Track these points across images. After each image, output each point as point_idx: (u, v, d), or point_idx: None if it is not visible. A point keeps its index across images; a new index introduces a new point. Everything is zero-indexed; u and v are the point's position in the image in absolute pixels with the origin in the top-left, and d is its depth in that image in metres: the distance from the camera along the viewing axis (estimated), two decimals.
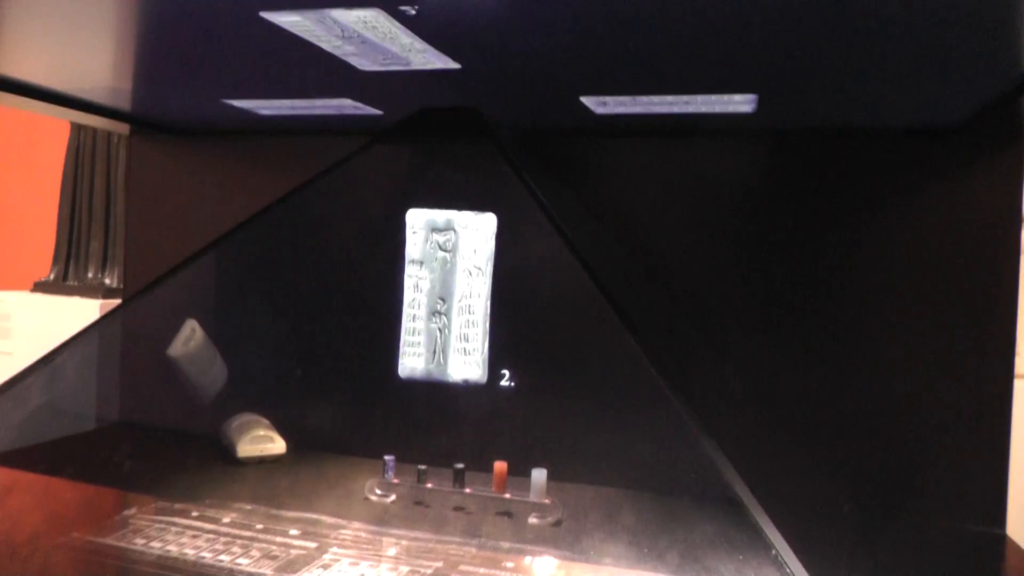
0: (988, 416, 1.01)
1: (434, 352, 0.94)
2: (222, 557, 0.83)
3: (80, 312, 2.06)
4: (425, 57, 0.77)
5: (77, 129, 2.30)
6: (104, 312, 2.10)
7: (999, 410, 1.00)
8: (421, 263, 0.94)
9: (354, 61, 0.80)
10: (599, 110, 0.97)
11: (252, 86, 0.96)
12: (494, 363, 0.94)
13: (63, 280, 2.23)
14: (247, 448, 1.11)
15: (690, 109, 0.94)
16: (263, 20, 0.69)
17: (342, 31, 0.70)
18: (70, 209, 2.26)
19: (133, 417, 1.12)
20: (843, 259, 1.05)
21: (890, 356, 1.04)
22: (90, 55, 0.88)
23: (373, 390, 1.04)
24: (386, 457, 0.99)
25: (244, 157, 1.24)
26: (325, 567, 0.82)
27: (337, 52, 0.77)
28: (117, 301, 2.18)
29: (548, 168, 1.11)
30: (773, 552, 0.64)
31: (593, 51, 0.76)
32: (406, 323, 0.96)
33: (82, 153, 2.25)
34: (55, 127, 2.45)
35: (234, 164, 1.25)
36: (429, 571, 0.82)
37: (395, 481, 0.99)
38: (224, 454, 1.11)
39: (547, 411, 0.96)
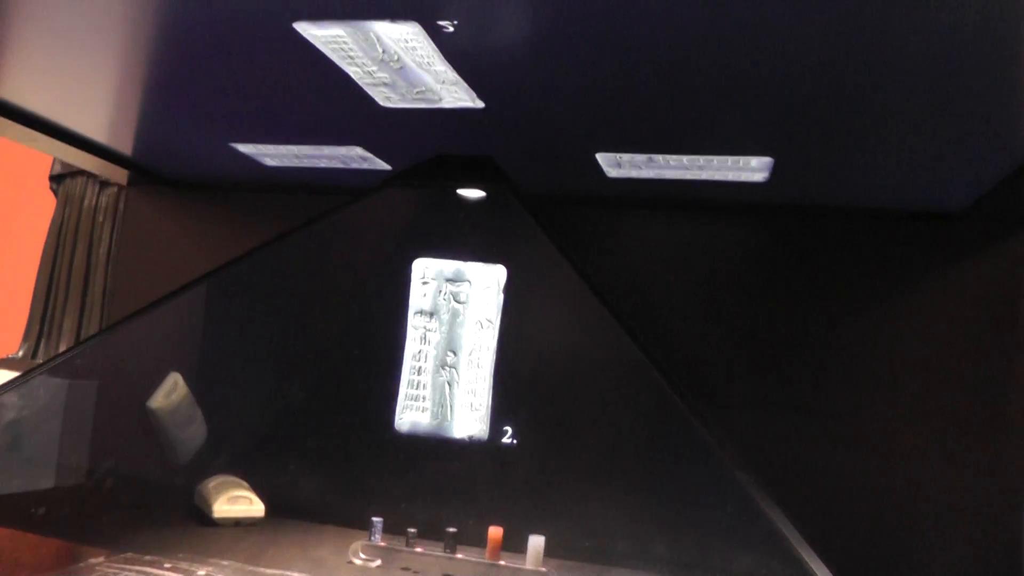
0: (1001, 506, 0.98)
1: (441, 406, 0.91)
2: None
3: None
4: (455, 92, 0.78)
5: (63, 207, 2.28)
6: None
7: (1013, 500, 0.98)
8: (431, 314, 0.92)
9: (382, 93, 0.80)
10: (612, 173, 0.97)
11: (262, 125, 0.95)
12: (496, 420, 0.91)
13: (32, 357, 2.15)
14: (224, 509, 1.04)
15: (703, 176, 0.95)
16: (293, 38, 0.69)
17: (383, 51, 0.70)
18: (47, 285, 2.21)
19: (103, 468, 1.06)
20: (847, 339, 1.04)
21: (891, 438, 1.02)
22: (95, 86, 0.87)
23: (362, 448, 0.99)
24: (373, 519, 0.94)
25: (242, 214, 1.23)
26: None
27: (366, 81, 0.77)
28: None
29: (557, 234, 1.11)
30: None
31: (613, 98, 0.77)
32: (409, 376, 0.93)
33: (65, 230, 2.23)
34: (38, 203, 2.43)
35: (231, 221, 1.23)
36: None
37: (382, 544, 0.94)
38: (199, 515, 1.05)
39: (550, 476, 0.92)
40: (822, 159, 0.88)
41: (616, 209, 1.10)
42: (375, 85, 0.78)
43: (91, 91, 0.91)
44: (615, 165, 0.95)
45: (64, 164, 2.22)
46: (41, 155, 2.29)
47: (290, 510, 1.05)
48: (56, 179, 2.37)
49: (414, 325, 0.93)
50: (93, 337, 1.01)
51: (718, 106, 0.77)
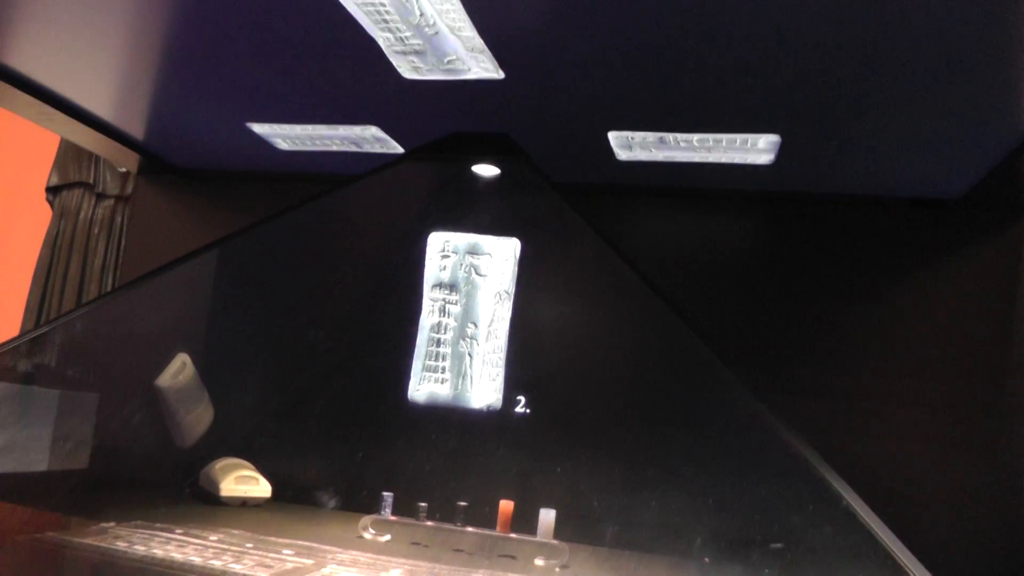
0: (999, 489, 1.00)
1: (461, 377, 0.92)
2: (213, 562, 0.77)
3: None
4: (480, 61, 0.80)
5: (58, 219, 2.28)
6: None
7: (1013, 479, 0.99)
8: (451, 286, 0.93)
9: (410, 63, 0.82)
10: (623, 155, 1.00)
11: (279, 102, 0.96)
12: (509, 392, 0.92)
13: None
14: (230, 488, 1.04)
15: (711, 158, 0.98)
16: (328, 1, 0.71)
17: (420, 13, 0.73)
18: (40, 297, 2.21)
19: (110, 444, 1.05)
20: (847, 324, 1.06)
21: (890, 421, 1.04)
22: (109, 60, 0.88)
23: (373, 422, 0.99)
24: (384, 493, 0.94)
25: (253, 203, 1.23)
26: None
27: (396, 49, 0.80)
28: None
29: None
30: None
31: (628, 72, 0.79)
32: (427, 348, 0.93)
33: (60, 242, 2.23)
34: (34, 216, 2.43)
35: (242, 210, 1.24)
36: None
37: (392, 518, 0.93)
38: (205, 497, 1.04)
39: (560, 450, 0.93)
40: (826, 140, 0.91)
41: (624, 197, 1.12)
42: (404, 53, 0.80)
43: (105, 66, 0.92)
44: (626, 146, 0.97)
45: (61, 175, 2.23)
46: (38, 166, 2.30)
47: (298, 494, 1.05)
48: (52, 191, 2.38)
49: (432, 298, 0.94)
50: (99, 299, 1.01)
51: (729, 81, 0.80)
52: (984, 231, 1.03)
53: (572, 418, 0.93)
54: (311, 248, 1.02)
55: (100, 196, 2.22)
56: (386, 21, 0.75)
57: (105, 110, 1.05)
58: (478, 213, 0.92)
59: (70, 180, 2.31)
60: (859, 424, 1.05)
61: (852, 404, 1.05)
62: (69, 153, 2.21)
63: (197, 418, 1.09)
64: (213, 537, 0.85)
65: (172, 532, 0.85)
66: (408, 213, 0.96)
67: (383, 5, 0.72)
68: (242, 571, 0.75)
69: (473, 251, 0.93)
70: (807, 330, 1.08)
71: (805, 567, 0.72)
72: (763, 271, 1.10)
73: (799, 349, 1.07)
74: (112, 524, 0.86)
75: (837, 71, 0.73)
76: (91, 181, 2.19)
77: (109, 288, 1.95)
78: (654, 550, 0.91)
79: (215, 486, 1.04)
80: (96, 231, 2.28)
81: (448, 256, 0.93)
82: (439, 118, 0.94)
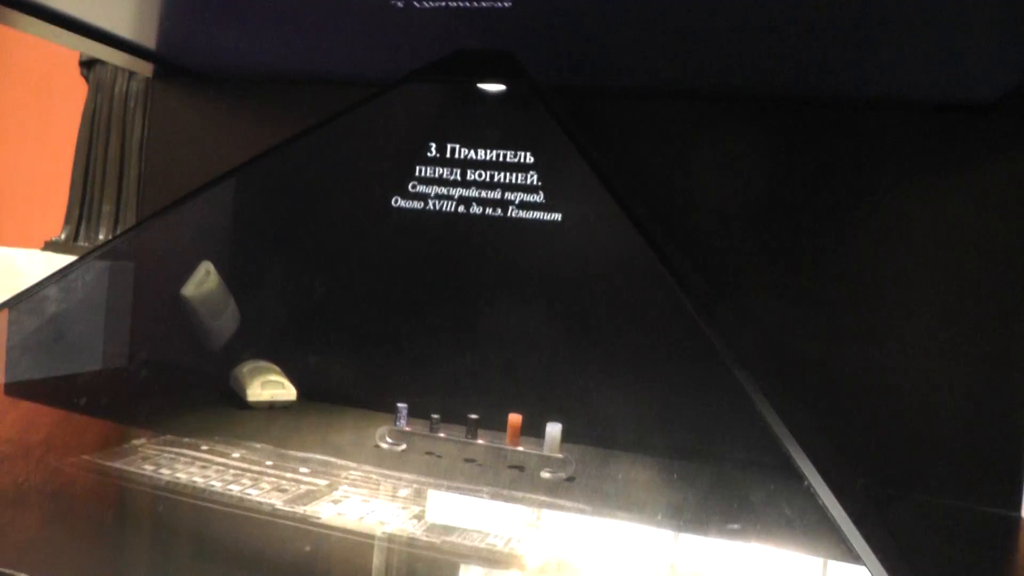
0: (1007, 399, 1.00)
1: None
2: (232, 487, 0.82)
3: None
4: None
5: (94, 93, 2.30)
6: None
7: (1018, 394, 0.99)
8: None
9: None
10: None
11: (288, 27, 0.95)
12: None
13: (74, 241, 2.22)
14: (257, 392, 1.10)
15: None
16: None
17: None
18: (83, 172, 2.26)
19: (142, 354, 1.11)
20: (869, 233, 1.04)
21: (911, 333, 1.03)
22: None
23: (388, 338, 1.02)
24: (399, 404, 0.98)
25: (268, 105, 1.23)
26: (335, 502, 0.81)
27: None
28: None
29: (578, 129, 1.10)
30: (805, 483, 0.63)
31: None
32: None
33: (98, 117, 2.25)
34: (71, 90, 2.45)
35: (259, 112, 1.24)
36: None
37: (407, 429, 0.98)
38: (234, 398, 1.10)
39: (567, 366, 0.95)
40: (845, 47, 0.86)
41: (635, 101, 1.09)
42: None
43: None
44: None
45: None
46: None
47: (320, 396, 1.10)
48: (86, 64, 2.38)
49: None
50: (128, 231, 1.03)
51: None
52: (1018, 138, 0.98)
53: (573, 339, 0.94)
54: (323, 170, 1.02)
55: (133, 71, 2.21)
56: None
57: (118, 26, 1.04)
58: (480, 132, 0.91)
59: None
60: (877, 332, 1.04)
61: (870, 312, 1.04)
62: None
63: (224, 323, 1.13)
64: (235, 455, 0.91)
65: (198, 450, 0.91)
66: (413, 133, 0.94)
67: None
68: (257, 496, 0.80)
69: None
70: (826, 238, 1.06)
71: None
72: (781, 175, 1.07)
73: (817, 257, 1.06)
74: (143, 441, 0.93)
75: None
76: None
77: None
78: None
79: (243, 390, 1.09)
80: (132, 105, 2.29)
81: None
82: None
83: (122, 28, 1.05)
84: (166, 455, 0.89)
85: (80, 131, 2.32)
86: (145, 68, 1.23)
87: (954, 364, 1.02)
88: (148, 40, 1.10)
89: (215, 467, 0.87)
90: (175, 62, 1.19)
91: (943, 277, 1.02)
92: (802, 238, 1.06)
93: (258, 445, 0.95)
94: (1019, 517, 1.00)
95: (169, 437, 0.95)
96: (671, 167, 1.10)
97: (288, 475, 0.87)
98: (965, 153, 1.00)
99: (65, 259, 2.16)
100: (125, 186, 2.22)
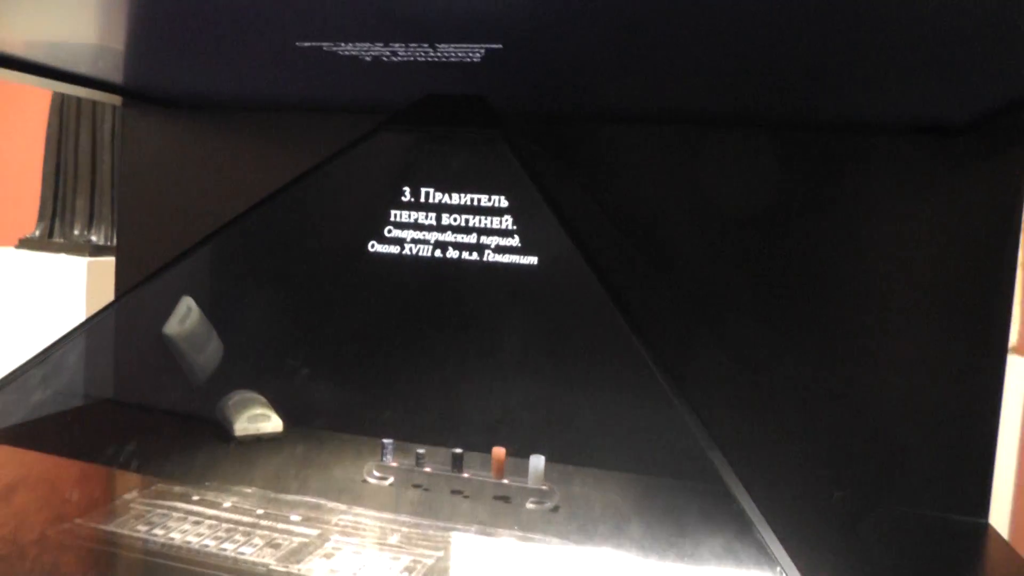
0: (977, 410, 1.03)
1: None
2: (225, 546, 0.84)
3: (68, 269, 2.04)
4: None
5: None
6: (92, 271, 2.08)
7: (988, 404, 1.02)
8: None
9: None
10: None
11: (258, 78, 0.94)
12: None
13: (48, 237, 2.20)
14: (244, 427, 1.11)
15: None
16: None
17: None
18: (55, 166, 2.22)
19: (127, 397, 1.12)
20: (841, 253, 1.06)
21: (882, 347, 1.05)
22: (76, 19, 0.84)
23: (373, 372, 1.04)
24: (384, 440, 1.00)
25: (244, 133, 1.22)
26: (327, 556, 0.83)
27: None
28: (105, 259, 2.16)
29: (555, 153, 1.10)
30: (757, 535, 0.66)
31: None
32: None
33: (66, 110, 2.21)
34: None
35: (233, 140, 1.23)
36: (431, 560, 0.83)
37: (393, 464, 1.00)
38: (220, 432, 1.11)
39: (546, 399, 0.97)
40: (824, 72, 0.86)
41: (618, 125, 1.09)
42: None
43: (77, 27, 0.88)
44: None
45: None
46: None
47: (306, 425, 1.12)
48: None
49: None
50: (108, 307, 1.04)
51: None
52: (991, 160, 0.99)
53: (559, 374, 0.96)
54: (303, 227, 1.02)
55: None
56: None
57: (85, 68, 1.02)
58: (451, 178, 0.91)
59: None
60: (849, 347, 1.07)
61: (842, 328, 1.07)
62: None
63: (208, 358, 1.14)
64: (227, 504, 0.93)
65: (190, 501, 0.93)
66: (387, 181, 0.94)
67: None
68: (252, 556, 0.82)
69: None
70: (799, 257, 1.07)
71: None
72: (757, 199, 1.08)
73: (791, 276, 1.07)
74: (134, 494, 0.94)
75: None
76: None
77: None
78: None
79: (230, 424, 1.11)
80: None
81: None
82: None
83: (86, 69, 1.04)
84: (158, 511, 0.91)
85: (49, 123, 2.28)
86: (114, 99, 1.21)
87: (924, 377, 1.04)
88: (115, 77, 1.08)
89: (208, 522, 0.89)
90: (145, 94, 1.18)
91: (915, 293, 1.04)
92: (776, 256, 1.08)
93: (248, 490, 0.96)
94: (987, 523, 1.03)
95: (159, 487, 0.96)
96: (648, 189, 1.11)
97: (280, 525, 0.89)
98: (939, 174, 1.01)
99: (41, 256, 2.15)
100: (98, 180, 2.19)
